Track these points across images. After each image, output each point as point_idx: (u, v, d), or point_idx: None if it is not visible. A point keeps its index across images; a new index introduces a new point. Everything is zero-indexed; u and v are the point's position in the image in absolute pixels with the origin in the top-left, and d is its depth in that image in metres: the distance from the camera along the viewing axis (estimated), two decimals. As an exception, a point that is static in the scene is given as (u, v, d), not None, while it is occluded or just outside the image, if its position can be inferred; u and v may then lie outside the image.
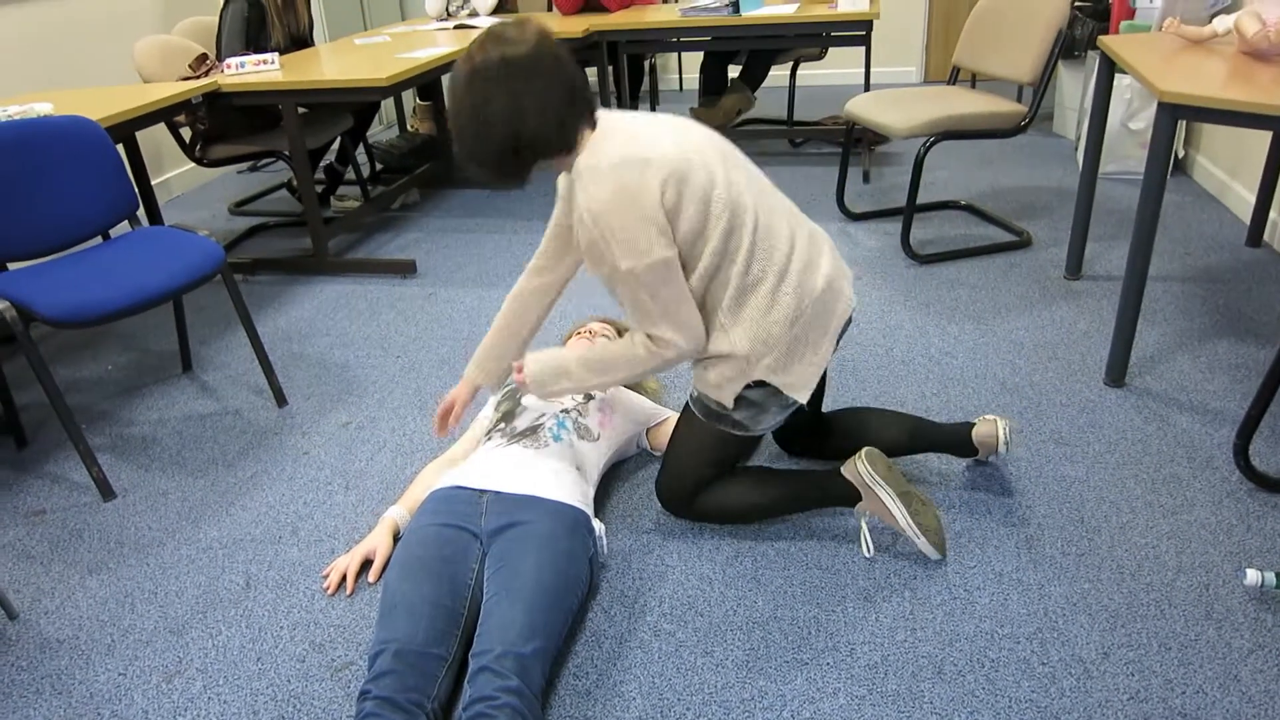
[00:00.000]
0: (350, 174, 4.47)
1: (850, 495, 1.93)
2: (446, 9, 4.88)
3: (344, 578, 1.96)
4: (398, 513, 2.07)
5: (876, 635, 1.74)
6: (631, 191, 1.64)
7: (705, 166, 1.72)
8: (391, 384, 2.79)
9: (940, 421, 2.19)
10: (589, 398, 2.20)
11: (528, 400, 2.18)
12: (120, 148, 2.73)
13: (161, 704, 1.70)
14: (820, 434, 2.16)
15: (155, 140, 4.66)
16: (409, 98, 5.42)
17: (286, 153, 3.70)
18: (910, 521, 1.87)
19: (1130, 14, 3.90)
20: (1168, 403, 2.40)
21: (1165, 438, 2.26)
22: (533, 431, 2.06)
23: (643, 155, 1.67)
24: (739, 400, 1.85)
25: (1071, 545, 1.93)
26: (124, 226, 2.72)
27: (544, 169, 1.76)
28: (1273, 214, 3.27)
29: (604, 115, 1.77)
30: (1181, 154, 4.13)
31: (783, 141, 5.07)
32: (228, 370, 2.95)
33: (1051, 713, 1.55)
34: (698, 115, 4.76)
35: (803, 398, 1.85)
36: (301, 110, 3.73)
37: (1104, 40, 2.75)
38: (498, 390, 2.08)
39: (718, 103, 4.75)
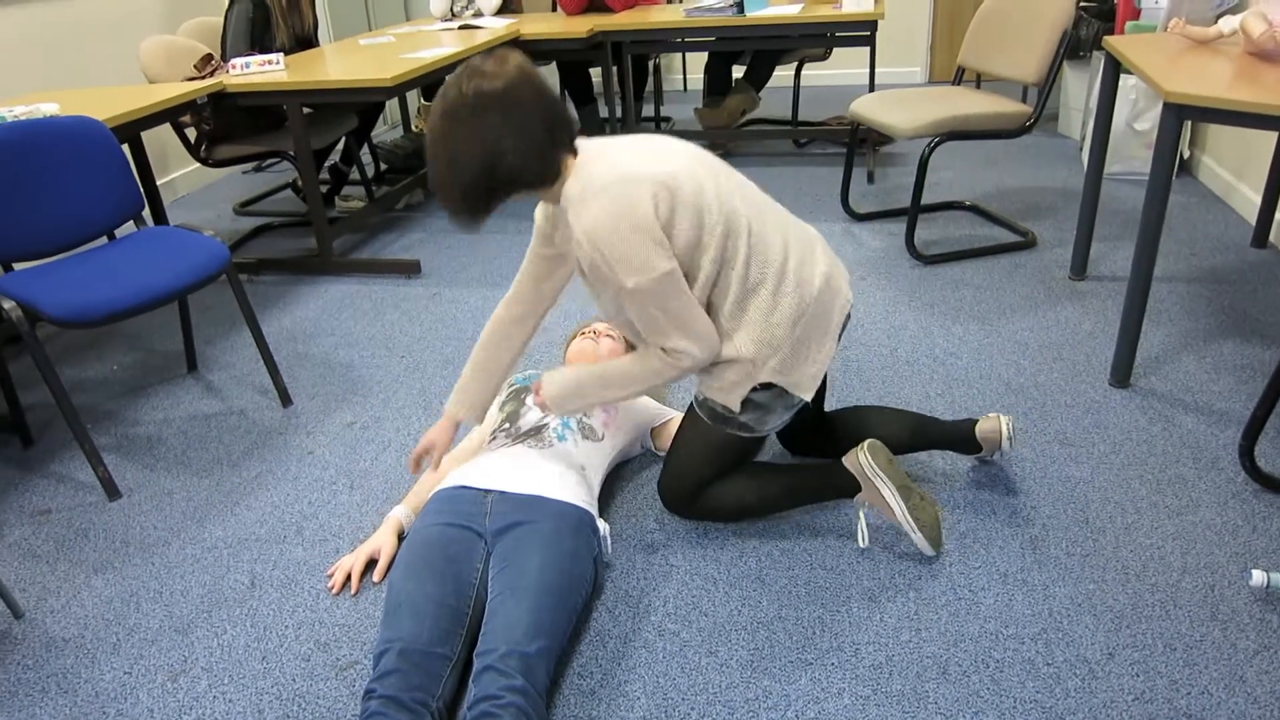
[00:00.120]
0: (355, 174, 4.48)
1: (850, 486, 1.94)
2: (451, 9, 4.89)
3: (349, 577, 1.97)
4: (402, 512, 2.07)
5: (881, 635, 1.74)
6: (625, 209, 1.65)
7: (692, 178, 1.73)
8: (396, 384, 2.79)
9: (944, 419, 2.20)
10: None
11: (532, 400, 2.18)
12: (126, 148, 2.74)
13: (167, 703, 1.71)
14: (823, 433, 2.16)
15: (160, 140, 4.67)
16: (413, 98, 5.43)
17: (291, 153, 3.71)
18: (907, 515, 1.88)
19: (1135, 14, 3.90)
20: (1173, 403, 2.40)
21: (1170, 438, 2.26)
22: (537, 432, 2.06)
23: (630, 173, 1.68)
24: (745, 403, 1.85)
25: (1076, 546, 1.93)
26: (129, 226, 2.72)
27: (523, 198, 1.76)
28: (1279, 215, 3.26)
29: (584, 142, 1.78)
30: (1187, 155, 4.13)
31: (787, 142, 5.07)
32: (233, 370, 2.96)
33: (1056, 713, 1.55)
34: (702, 115, 4.77)
35: (808, 396, 1.86)
36: (306, 110, 3.73)
37: (1109, 41, 2.75)
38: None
39: (722, 103, 4.75)
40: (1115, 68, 2.81)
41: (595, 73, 5.32)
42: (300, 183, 4.38)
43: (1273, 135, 3.22)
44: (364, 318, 3.27)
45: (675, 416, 2.29)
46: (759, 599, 1.85)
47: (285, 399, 2.73)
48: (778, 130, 4.92)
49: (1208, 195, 3.83)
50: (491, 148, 1.63)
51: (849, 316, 1.96)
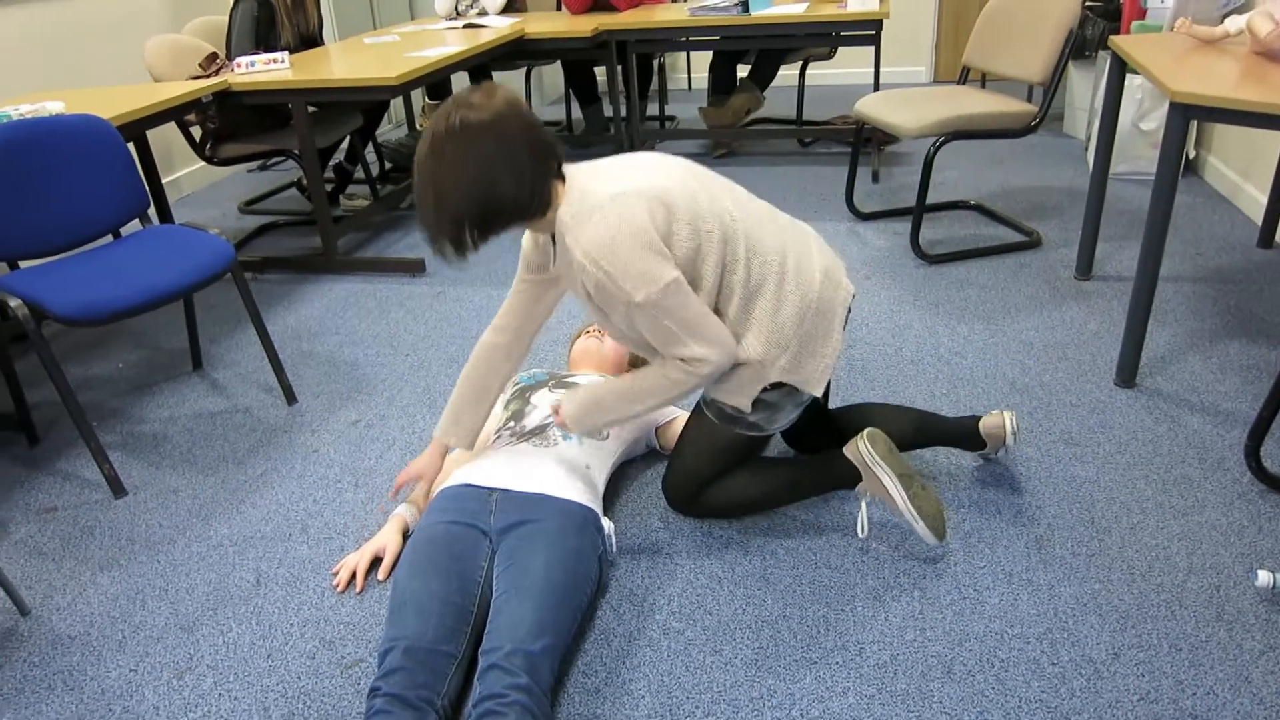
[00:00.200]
0: (359, 173, 4.48)
1: (851, 475, 1.94)
2: (456, 8, 4.89)
3: (354, 575, 1.97)
4: (407, 510, 2.07)
5: (886, 634, 1.74)
6: (623, 225, 1.65)
7: (683, 188, 1.74)
8: (401, 382, 2.79)
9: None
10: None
11: (536, 399, 2.18)
12: (131, 146, 2.74)
13: (172, 700, 1.71)
14: (828, 432, 2.16)
15: (165, 139, 4.68)
16: (418, 97, 5.43)
17: (296, 151, 3.71)
18: (908, 504, 1.87)
19: (1141, 14, 3.89)
20: (1179, 404, 2.40)
21: (1176, 439, 2.26)
22: (542, 430, 2.06)
23: (622, 190, 1.69)
24: (755, 402, 1.86)
25: (1082, 546, 1.93)
26: (135, 225, 2.73)
27: (515, 230, 1.75)
28: (1284, 214, 3.26)
29: (571, 168, 1.78)
30: (1193, 155, 4.12)
31: (792, 141, 5.06)
32: (238, 368, 2.96)
33: (1061, 713, 1.55)
34: (707, 115, 4.77)
35: (818, 391, 1.86)
36: (311, 109, 3.74)
37: (1115, 40, 2.74)
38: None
39: (727, 102, 4.74)
40: (1121, 67, 2.81)
41: (600, 72, 5.33)
42: (305, 181, 4.38)
43: (1279, 135, 3.22)
44: (368, 316, 3.27)
45: (680, 415, 2.29)
46: (763, 598, 1.85)
47: (290, 397, 2.73)
48: (782, 130, 4.92)
49: (1213, 195, 3.82)
50: (480, 179, 1.62)
51: (850, 308, 1.96)
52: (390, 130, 6.07)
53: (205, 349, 3.11)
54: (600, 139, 5.08)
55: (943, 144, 3.23)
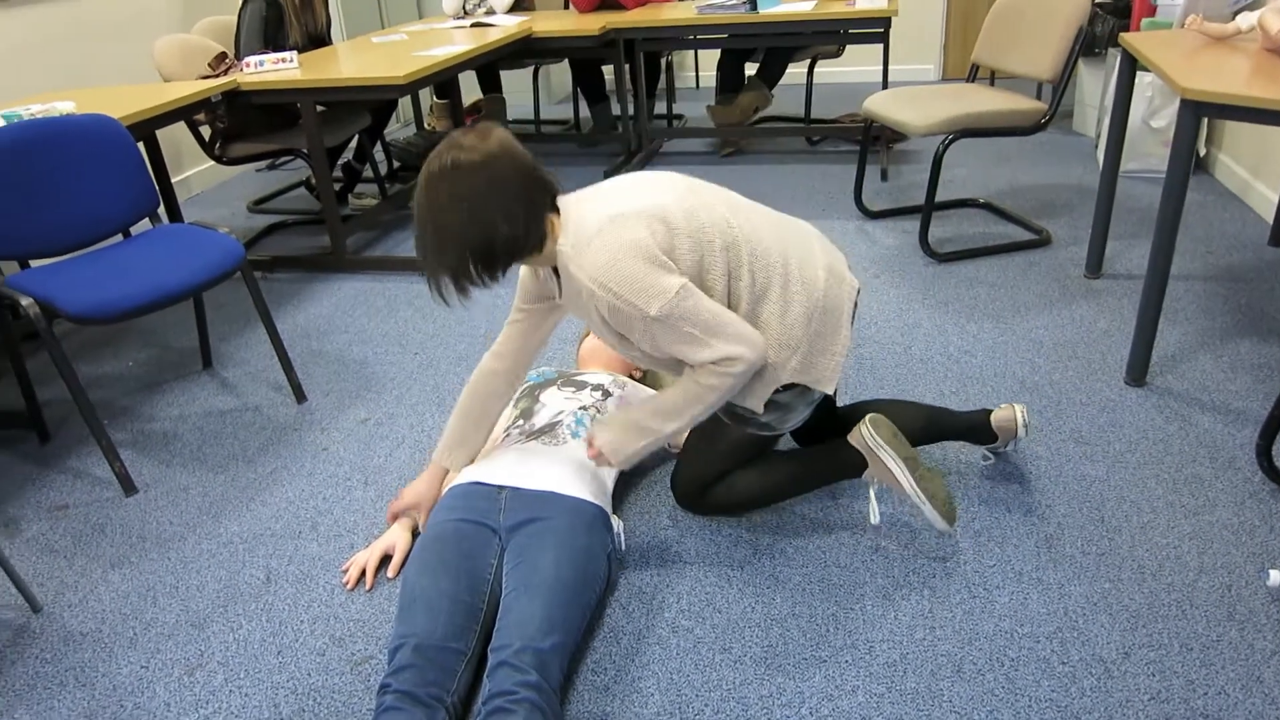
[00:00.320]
0: (368, 172, 4.49)
1: (856, 463, 1.94)
2: (464, 7, 4.89)
3: (363, 573, 1.97)
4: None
5: (895, 633, 1.74)
6: (624, 245, 1.65)
7: (679, 203, 1.74)
8: (410, 380, 2.80)
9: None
10: (607, 394, 2.20)
11: (546, 397, 2.19)
12: (141, 146, 2.75)
13: (183, 696, 1.72)
14: (836, 429, 2.16)
15: (175, 138, 4.69)
16: (426, 96, 5.43)
17: (305, 151, 3.72)
18: (915, 487, 1.87)
19: (1151, 11, 3.87)
20: (1189, 402, 2.39)
21: (1187, 438, 2.25)
22: (551, 428, 2.07)
23: (619, 212, 1.69)
24: (768, 404, 1.85)
25: (1092, 545, 1.92)
26: (145, 224, 2.74)
27: (512, 266, 1.75)
28: (1296, 212, 3.24)
29: (564, 199, 1.78)
30: (1203, 152, 4.10)
31: (800, 139, 5.05)
32: (247, 367, 2.97)
33: (1072, 712, 1.55)
34: (715, 113, 4.76)
35: (830, 389, 1.86)
36: (319, 108, 3.75)
37: (1125, 37, 2.73)
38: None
39: (735, 100, 4.74)
40: (1131, 64, 2.80)
41: (608, 70, 5.33)
42: (314, 180, 4.39)
43: (1290, 132, 3.20)
44: (377, 315, 3.28)
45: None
46: (773, 596, 1.85)
47: (300, 395, 2.74)
48: (790, 128, 4.91)
49: (1224, 193, 3.80)
50: (472, 218, 1.62)
51: (857, 303, 1.96)
52: (398, 129, 6.08)
53: (215, 347, 3.12)
54: (608, 138, 5.08)
55: (951, 142, 3.22)
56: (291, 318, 3.31)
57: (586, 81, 5.08)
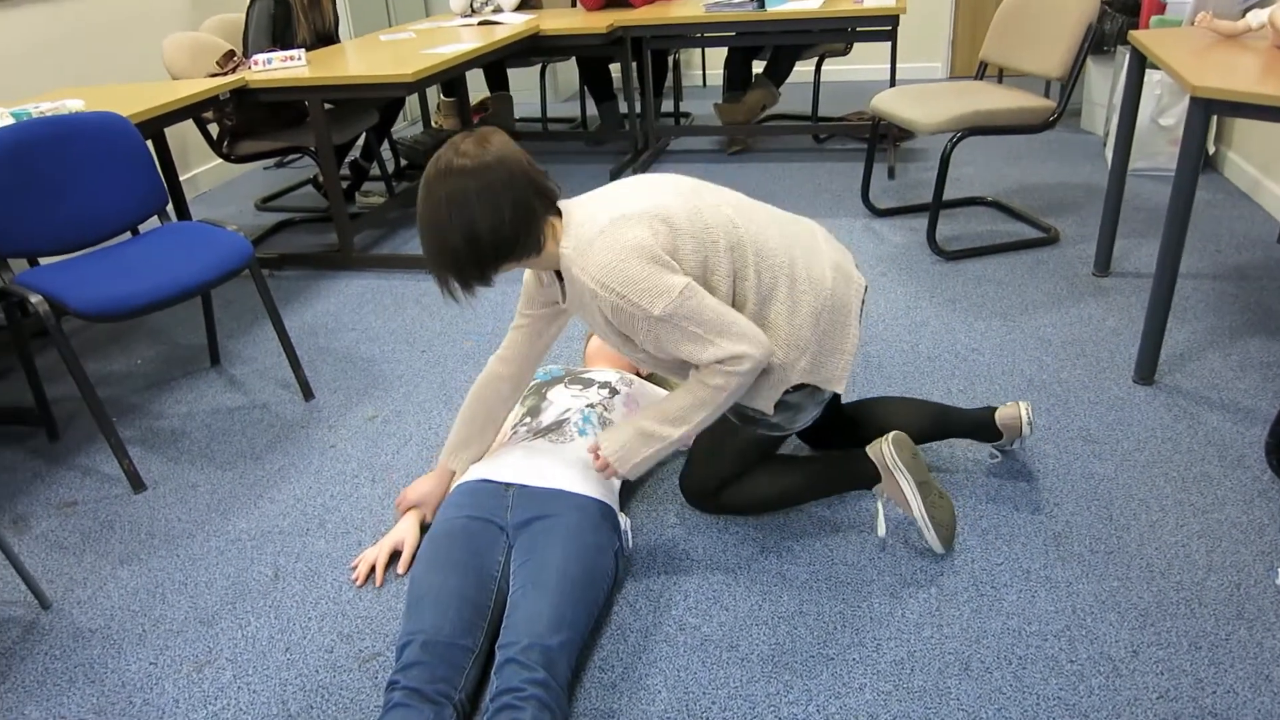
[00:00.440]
0: (375, 170, 4.50)
1: (870, 475, 1.94)
2: (471, 5, 4.89)
3: (372, 569, 1.98)
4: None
5: (903, 631, 1.73)
6: (626, 245, 1.65)
7: (681, 203, 1.74)
8: (417, 378, 2.80)
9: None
10: (614, 392, 2.20)
11: (553, 395, 2.19)
12: (150, 144, 2.76)
13: (192, 693, 1.72)
14: (843, 427, 2.16)
15: (183, 136, 4.70)
16: (433, 94, 5.45)
17: (312, 148, 3.73)
18: (923, 512, 1.87)
19: (1161, 8, 3.86)
20: (1198, 401, 2.38)
21: (1195, 436, 2.24)
22: (558, 426, 2.07)
23: (620, 213, 1.69)
24: (777, 404, 1.85)
25: (1100, 543, 1.92)
26: (153, 222, 2.74)
27: (514, 268, 1.76)
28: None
29: (566, 202, 1.78)
30: (1212, 150, 4.09)
31: (807, 137, 5.05)
32: (255, 364, 2.98)
33: (1080, 711, 1.54)
34: (722, 111, 4.76)
35: (840, 388, 1.86)
36: (327, 106, 3.75)
37: (1135, 35, 2.72)
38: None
39: (742, 98, 4.73)
40: (1140, 62, 2.79)
41: (615, 68, 5.33)
42: (321, 178, 4.40)
43: (1300, 130, 3.19)
44: (385, 312, 3.28)
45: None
46: (779, 594, 1.85)
47: (307, 393, 2.75)
48: (798, 126, 4.90)
49: (1234, 191, 3.79)
50: (464, 219, 1.63)
51: (864, 300, 1.95)
52: (406, 127, 6.09)
53: (223, 345, 3.13)
54: (615, 136, 5.08)
55: (959, 140, 3.22)
56: (299, 315, 3.32)
57: (594, 79, 5.08)
